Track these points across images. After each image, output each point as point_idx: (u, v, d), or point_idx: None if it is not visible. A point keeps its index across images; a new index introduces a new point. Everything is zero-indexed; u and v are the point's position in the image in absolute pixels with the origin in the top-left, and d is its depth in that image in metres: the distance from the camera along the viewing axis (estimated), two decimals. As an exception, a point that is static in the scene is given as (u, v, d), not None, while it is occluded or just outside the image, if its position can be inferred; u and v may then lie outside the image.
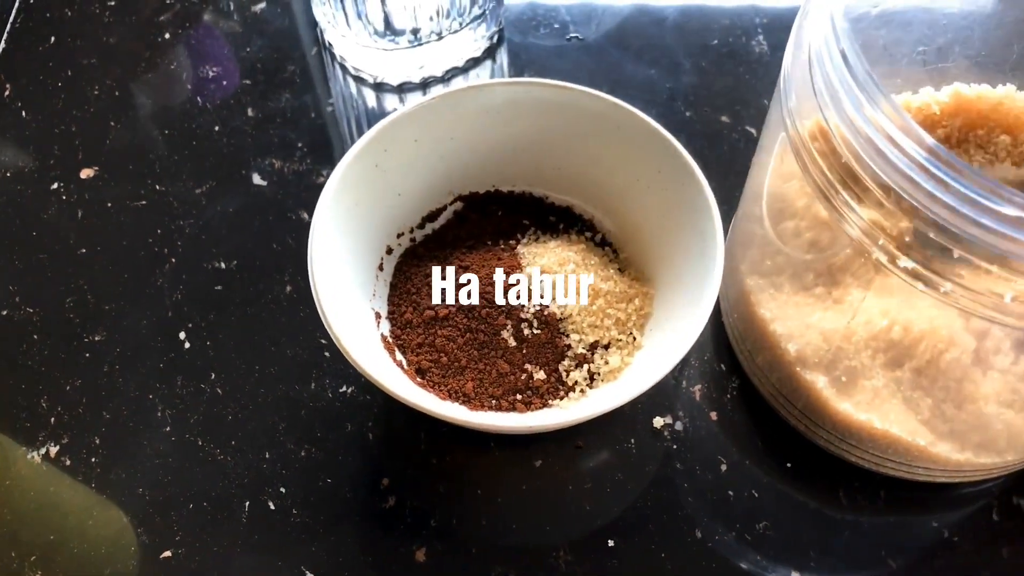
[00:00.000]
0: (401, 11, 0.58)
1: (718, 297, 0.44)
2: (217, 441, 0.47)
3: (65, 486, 0.46)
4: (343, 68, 0.62)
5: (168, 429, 0.48)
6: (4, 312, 0.52)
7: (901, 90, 0.47)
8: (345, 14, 0.58)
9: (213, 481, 0.46)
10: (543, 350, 0.45)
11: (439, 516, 0.45)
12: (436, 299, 0.47)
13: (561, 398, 0.45)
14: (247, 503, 0.46)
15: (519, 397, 0.45)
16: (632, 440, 0.48)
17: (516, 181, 0.52)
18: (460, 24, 0.60)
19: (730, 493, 0.46)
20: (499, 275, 0.46)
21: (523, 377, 0.45)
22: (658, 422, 0.48)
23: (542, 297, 0.46)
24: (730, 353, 0.50)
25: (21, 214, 0.56)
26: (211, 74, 0.63)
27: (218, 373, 0.50)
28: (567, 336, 0.46)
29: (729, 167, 0.56)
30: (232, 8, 0.66)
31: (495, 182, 0.52)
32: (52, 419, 0.48)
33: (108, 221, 0.55)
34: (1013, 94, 0.45)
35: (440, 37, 0.60)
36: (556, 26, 0.65)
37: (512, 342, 0.45)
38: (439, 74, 0.62)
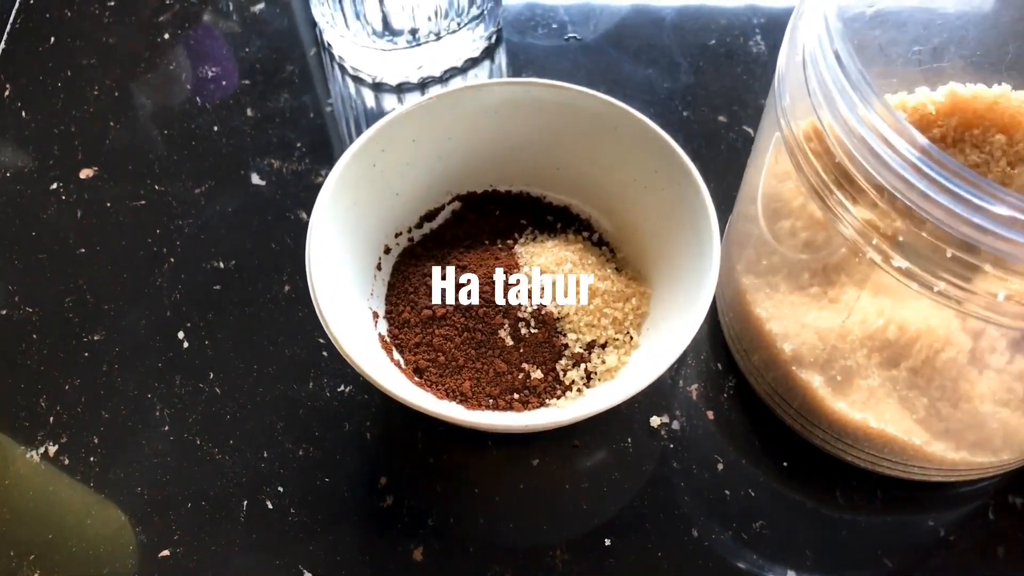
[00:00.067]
0: (399, 11, 0.58)
1: (714, 296, 0.44)
2: (215, 440, 0.48)
3: (64, 485, 0.46)
4: (342, 68, 0.62)
5: (167, 428, 0.48)
6: (3, 312, 0.52)
7: (897, 90, 0.47)
8: (344, 14, 0.58)
9: (211, 480, 0.46)
10: (540, 349, 0.45)
11: (436, 515, 0.45)
12: (434, 299, 0.47)
13: (558, 397, 0.45)
14: (245, 502, 0.46)
15: (516, 396, 0.45)
16: (629, 439, 0.48)
17: (514, 181, 0.52)
18: (458, 24, 0.60)
19: (727, 492, 0.46)
20: (497, 275, 0.46)
21: (520, 376, 0.45)
22: (655, 421, 0.48)
23: (541, 297, 0.46)
24: (727, 352, 0.50)
25: (21, 214, 0.56)
26: (210, 74, 0.63)
27: (216, 372, 0.50)
28: (564, 335, 0.46)
29: (726, 167, 0.56)
30: (231, 8, 0.66)
31: (493, 182, 0.52)
32: (51, 418, 0.48)
33: (107, 221, 0.56)
34: (1009, 93, 0.45)
35: (438, 37, 0.60)
36: (554, 26, 0.65)
37: (509, 341, 0.45)
38: (437, 74, 0.62)
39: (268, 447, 0.47)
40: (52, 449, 0.47)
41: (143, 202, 0.56)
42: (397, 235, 0.50)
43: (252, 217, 0.56)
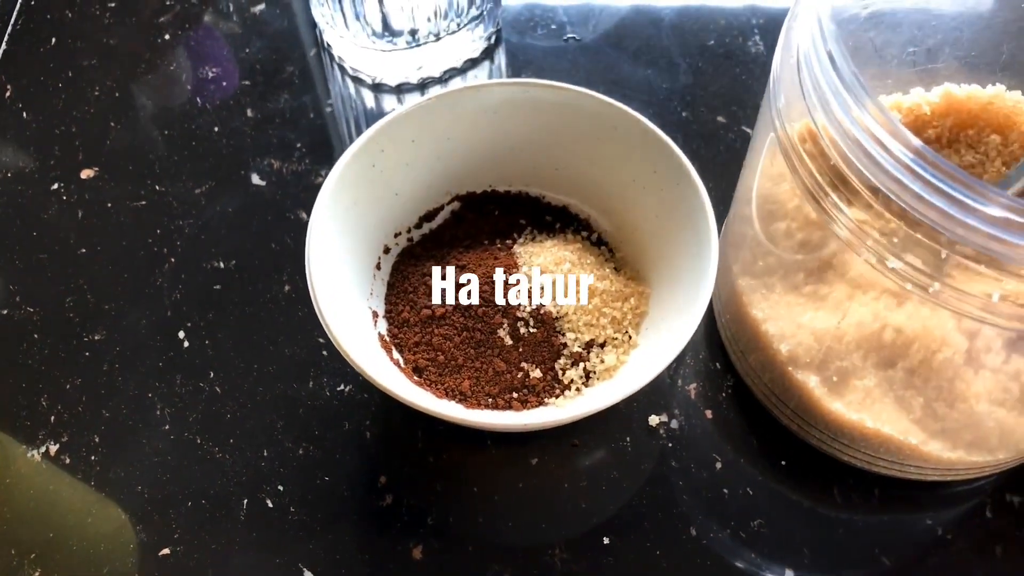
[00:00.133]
0: (399, 12, 0.58)
1: (711, 297, 0.44)
2: (216, 439, 0.48)
3: (64, 484, 0.47)
4: (342, 69, 0.63)
5: (167, 427, 0.48)
6: (4, 311, 0.52)
7: (892, 91, 0.47)
8: (343, 15, 0.59)
9: (212, 479, 0.47)
10: (539, 349, 0.46)
11: (436, 514, 0.46)
12: (433, 298, 0.47)
13: (557, 396, 0.45)
14: (245, 501, 0.46)
15: (515, 395, 0.45)
16: (628, 438, 0.48)
17: (513, 181, 0.52)
18: (458, 25, 0.60)
19: (725, 491, 0.46)
20: (496, 274, 0.47)
21: (519, 375, 0.45)
22: (653, 420, 0.48)
23: (540, 296, 0.46)
24: (724, 352, 0.50)
25: (21, 214, 0.56)
26: (211, 75, 0.63)
27: (217, 372, 0.50)
28: (563, 335, 0.46)
29: (725, 167, 0.56)
30: (231, 9, 0.66)
31: (492, 182, 0.52)
32: (52, 418, 0.49)
33: (108, 221, 0.56)
34: (1003, 94, 0.45)
35: (438, 38, 0.60)
36: (553, 27, 0.65)
37: (508, 341, 0.45)
38: (437, 75, 0.62)
39: (268, 446, 0.48)
40: (53, 448, 0.48)
41: (144, 202, 0.57)
42: (397, 235, 0.50)
43: (252, 217, 0.56)
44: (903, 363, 0.41)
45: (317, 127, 0.60)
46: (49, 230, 0.55)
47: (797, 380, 0.44)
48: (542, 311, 0.46)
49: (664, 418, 0.48)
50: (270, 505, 0.46)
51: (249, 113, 0.61)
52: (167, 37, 0.65)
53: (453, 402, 0.44)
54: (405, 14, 0.58)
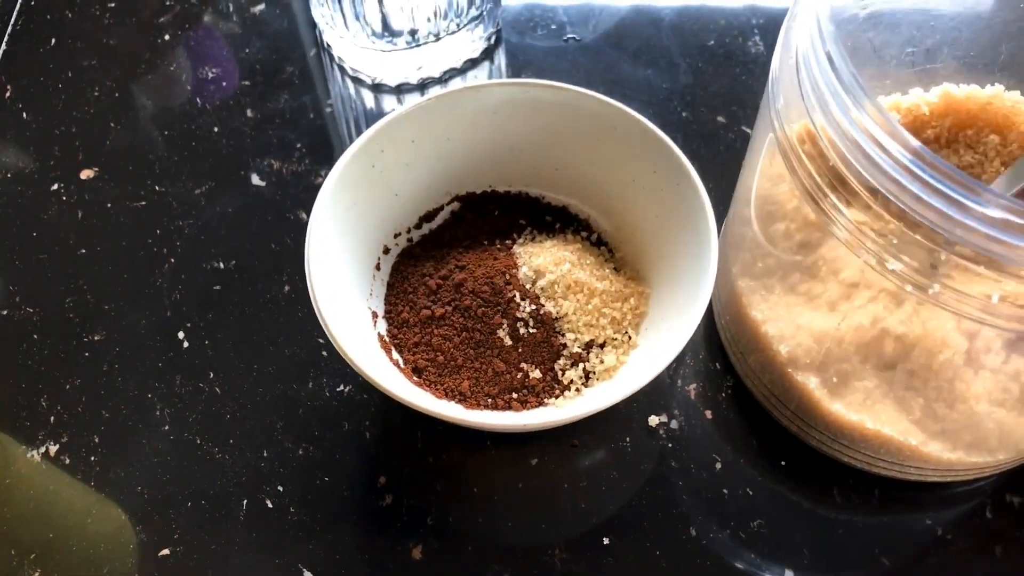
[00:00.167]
0: (399, 12, 0.58)
1: (711, 298, 0.44)
2: (215, 440, 0.48)
3: (64, 484, 0.47)
4: (342, 69, 0.63)
5: (167, 428, 0.48)
6: (4, 312, 0.52)
7: (891, 91, 0.47)
8: (343, 15, 0.59)
9: (211, 479, 0.47)
10: (539, 349, 0.46)
11: (435, 514, 0.46)
12: (433, 299, 0.47)
13: (557, 397, 0.45)
14: (245, 501, 0.46)
15: (515, 396, 0.45)
16: (627, 439, 0.48)
17: (513, 181, 0.52)
18: (458, 25, 0.60)
19: (725, 492, 0.46)
20: (496, 275, 0.47)
21: (519, 376, 0.45)
22: (653, 421, 0.48)
23: (539, 297, 0.46)
24: (724, 353, 0.50)
25: (21, 214, 0.56)
26: (210, 75, 0.63)
27: (216, 372, 0.50)
28: (563, 335, 0.46)
29: (725, 167, 0.56)
30: (231, 10, 0.66)
31: (492, 182, 0.52)
32: (52, 418, 0.49)
33: (108, 221, 0.56)
34: (1002, 94, 0.45)
35: (438, 38, 0.60)
36: (553, 27, 0.65)
37: (508, 341, 0.45)
38: (437, 75, 0.62)
39: (268, 446, 0.48)
40: (53, 449, 0.48)
41: (143, 203, 0.57)
42: (396, 235, 0.50)
43: (252, 217, 0.56)
44: (903, 364, 0.41)
45: (317, 127, 0.60)
46: (49, 230, 0.55)
47: (797, 381, 0.44)
48: (541, 312, 0.46)
49: (664, 418, 0.48)
50: (270, 505, 0.46)
51: (249, 113, 0.61)
52: (167, 37, 0.65)
53: (453, 402, 0.44)
54: (405, 14, 0.58)
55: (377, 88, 0.62)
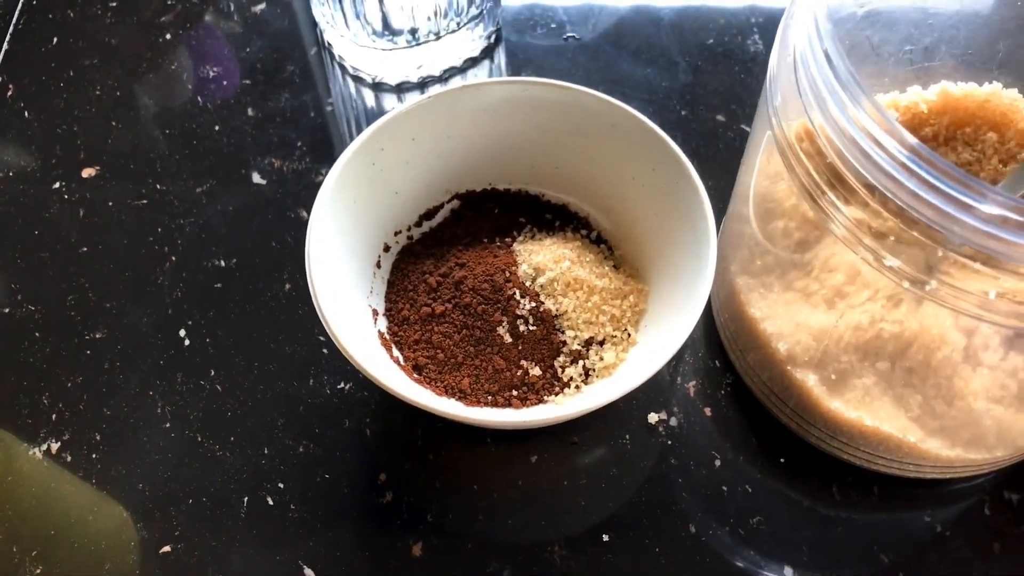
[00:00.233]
0: (399, 11, 0.58)
1: (710, 296, 0.44)
2: (216, 437, 0.48)
3: (66, 482, 0.47)
4: (342, 68, 0.63)
5: (168, 425, 0.48)
6: (6, 310, 0.52)
7: (889, 89, 0.47)
8: (344, 14, 0.59)
9: (212, 477, 0.47)
10: (538, 346, 0.46)
11: (435, 511, 0.46)
12: (433, 296, 0.47)
13: (556, 394, 0.45)
14: (246, 498, 0.46)
15: (515, 393, 0.45)
16: (627, 436, 0.48)
17: (512, 179, 0.52)
18: (458, 24, 0.61)
19: (724, 489, 0.46)
20: (496, 272, 0.47)
21: (519, 373, 0.45)
22: (653, 418, 0.48)
23: (539, 294, 0.46)
24: (723, 350, 0.50)
25: (23, 213, 0.56)
26: (211, 74, 0.63)
27: (217, 370, 0.50)
28: (562, 332, 0.46)
29: (724, 166, 0.56)
30: (232, 9, 0.67)
31: (492, 180, 0.52)
32: (53, 416, 0.49)
33: (109, 220, 0.56)
34: (1000, 92, 0.45)
35: (438, 37, 0.60)
36: (553, 26, 0.66)
37: (508, 339, 0.46)
38: (437, 74, 0.62)
39: (268, 444, 0.48)
40: (54, 446, 0.48)
41: (145, 201, 0.57)
42: (396, 233, 0.50)
43: (253, 216, 0.56)
44: (901, 361, 0.41)
45: (317, 126, 0.60)
46: (50, 229, 0.56)
47: (796, 378, 0.44)
48: (541, 309, 0.46)
49: (663, 416, 0.48)
50: (270, 503, 0.46)
51: (250, 112, 0.61)
52: (168, 37, 0.65)
53: (453, 400, 0.45)
54: (405, 13, 0.58)
55: (377, 87, 0.62)
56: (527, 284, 0.46)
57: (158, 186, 0.57)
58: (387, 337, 0.47)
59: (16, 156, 0.59)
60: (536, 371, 0.45)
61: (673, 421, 0.48)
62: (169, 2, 0.67)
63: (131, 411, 0.49)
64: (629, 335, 0.46)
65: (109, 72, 0.63)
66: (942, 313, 0.39)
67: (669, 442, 0.48)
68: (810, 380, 0.44)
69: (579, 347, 0.46)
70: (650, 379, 0.40)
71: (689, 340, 0.40)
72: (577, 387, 0.45)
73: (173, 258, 0.54)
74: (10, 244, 0.55)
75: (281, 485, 0.46)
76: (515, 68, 0.63)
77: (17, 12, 0.66)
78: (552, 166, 0.51)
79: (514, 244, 0.49)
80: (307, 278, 0.42)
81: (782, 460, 0.47)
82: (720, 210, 0.50)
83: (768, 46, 0.64)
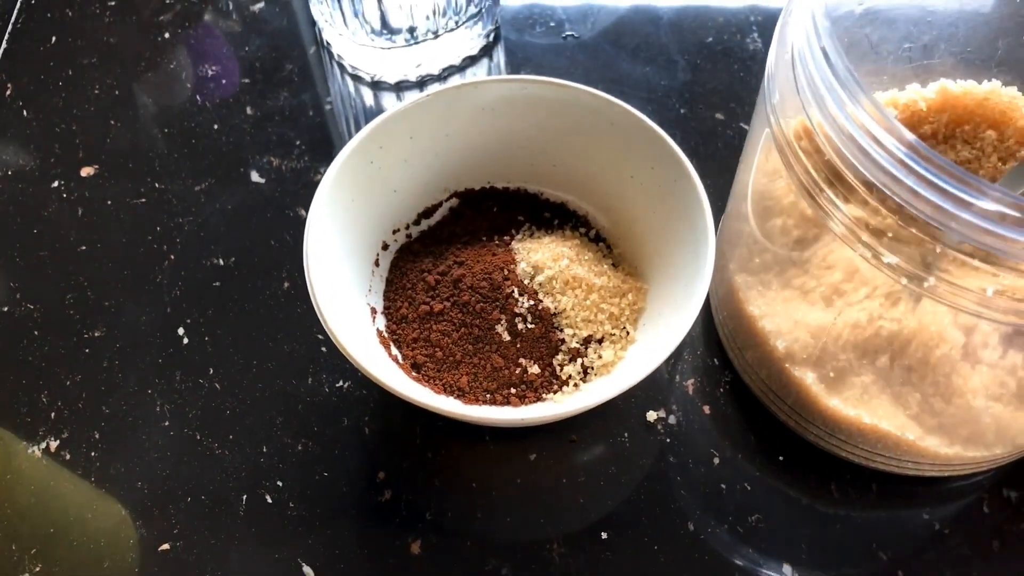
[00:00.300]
0: (397, 10, 0.58)
1: (709, 294, 0.44)
2: (215, 435, 0.48)
3: (65, 480, 0.47)
4: (341, 67, 0.63)
5: (167, 424, 0.48)
6: (5, 308, 0.52)
7: (888, 87, 0.47)
8: (342, 13, 0.59)
9: (211, 475, 0.47)
10: (537, 344, 0.46)
11: (434, 509, 0.46)
12: (431, 295, 0.47)
13: (555, 392, 0.45)
14: (244, 497, 0.46)
15: (513, 391, 0.45)
16: (626, 434, 0.48)
17: (511, 178, 0.52)
18: (456, 23, 0.61)
19: (723, 486, 0.46)
20: (494, 270, 0.47)
21: (517, 371, 0.45)
22: (651, 416, 0.48)
23: (538, 292, 0.46)
24: (722, 348, 0.50)
25: (22, 212, 0.56)
26: (210, 73, 0.63)
27: (216, 368, 0.50)
28: (561, 331, 0.46)
29: (723, 164, 0.56)
30: (231, 8, 0.67)
31: (490, 178, 0.52)
32: (52, 414, 0.49)
33: (108, 218, 0.56)
34: (999, 90, 0.45)
35: (437, 35, 0.60)
36: (552, 24, 0.66)
37: (506, 337, 0.46)
38: (436, 72, 0.62)
39: (267, 442, 0.48)
40: (53, 444, 0.48)
41: (143, 200, 0.57)
42: (395, 232, 0.50)
43: (252, 214, 0.56)
44: (900, 359, 0.41)
45: (316, 125, 0.60)
46: (49, 227, 0.56)
47: (794, 376, 0.44)
48: (540, 307, 0.46)
49: (662, 414, 0.48)
50: (269, 501, 0.46)
51: (249, 111, 0.61)
52: (167, 36, 0.65)
53: (451, 398, 0.45)
54: (403, 12, 0.58)
55: (376, 85, 0.62)
56: (526, 282, 0.46)
57: (157, 185, 0.57)
58: (386, 335, 0.47)
59: (15, 155, 0.59)
60: (535, 369, 0.45)
61: (672, 419, 0.48)
62: (168, 1, 0.67)
63: (130, 409, 0.49)
64: (628, 333, 0.46)
65: (108, 71, 0.63)
66: (941, 310, 0.39)
67: (668, 440, 0.48)
68: (808, 378, 0.44)
69: (577, 345, 0.46)
70: (648, 377, 0.40)
71: (688, 338, 0.40)
72: (576, 385, 0.45)
73: (172, 257, 0.54)
74: (9, 243, 0.55)
75: (280, 483, 0.46)
76: (514, 67, 0.63)
77: (16, 11, 0.66)
78: (551, 164, 0.51)
79: (513, 242, 0.49)
80: (305, 276, 0.42)
81: (781, 458, 0.47)
82: (719, 208, 0.50)
83: (767, 44, 0.63)
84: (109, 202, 0.57)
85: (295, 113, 0.61)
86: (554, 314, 0.46)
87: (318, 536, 0.45)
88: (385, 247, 0.50)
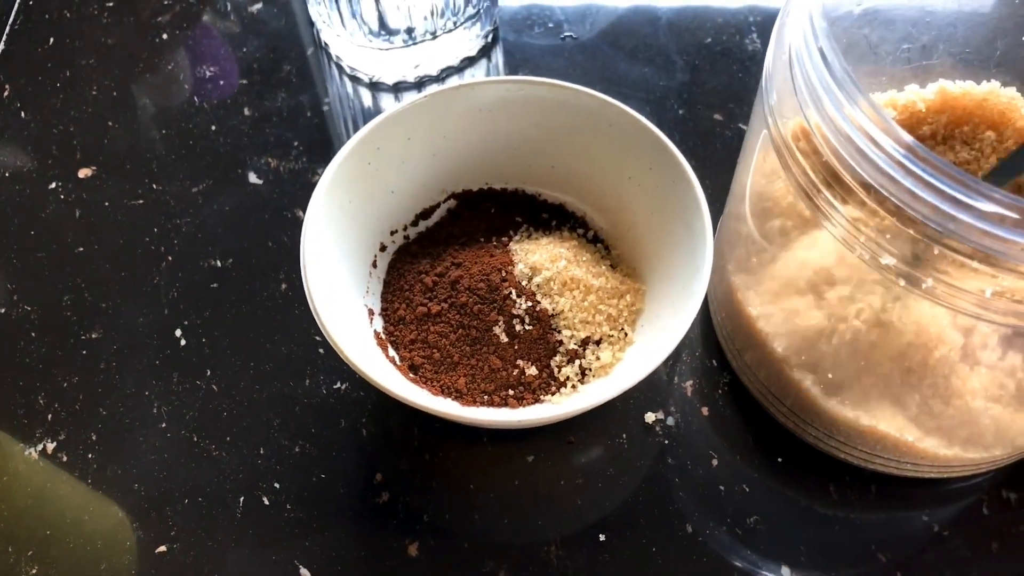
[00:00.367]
0: (395, 11, 0.58)
1: (707, 295, 0.44)
2: (212, 437, 0.48)
3: (62, 482, 0.47)
4: (339, 68, 0.63)
5: (164, 425, 0.48)
6: (2, 310, 0.52)
7: (887, 88, 0.47)
8: (340, 14, 0.59)
9: (208, 477, 0.47)
10: (535, 346, 0.46)
11: (432, 511, 0.46)
12: (429, 296, 0.47)
13: (553, 393, 0.45)
14: (242, 498, 0.46)
15: (511, 393, 0.45)
16: (624, 435, 0.48)
17: (509, 179, 0.52)
18: (455, 23, 0.61)
19: (721, 488, 0.46)
20: (492, 272, 0.47)
21: (515, 373, 0.45)
22: (650, 417, 0.48)
23: (536, 294, 0.46)
24: (720, 350, 0.50)
25: (20, 213, 0.56)
26: (208, 74, 0.63)
27: (213, 370, 0.50)
28: (559, 332, 0.46)
29: (722, 165, 0.56)
30: (229, 9, 0.67)
31: (488, 179, 0.52)
32: (49, 415, 0.49)
33: (106, 220, 0.56)
34: (998, 90, 0.45)
35: (435, 36, 0.60)
36: (551, 25, 0.65)
37: (504, 338, 0.45)
38: (434, 73, 0.62)
39: (264, 444, 0.48)
40: (50, 446, 0.48)
41: (141, 201, 0.57)
42: (393, 233, 0.50)
43: (249, 216, 0.56)
44: (899, 360, 0.41)
45: (314, 126, 0.60)
46: (47, 229, 0.56)
47: (793, 377, 0.44)
48: (538, 308, 0.46)
49: (660, 415, 0.48)
50: (266, 503, 0.46)
51: (247, 112, 0.61)
52: (165, 37, 0.65)
53: (449, 399, 0.44)
54: (401, 13, 0.58)
55: (374, 86, 0.62)
56: (523, 283, 0.46)
57: (154, 186, 0.57)
58: (383, 337, 0.47)
59: (12, 156, 0.59)
60: (532, 371, 0.45)
61: (670, 420, 0.48)
62: (166, 2, 0.67)
63: (127, 411, 0.49)
64: (626, 334, 0.46)
65: (106, 72, 0.63)
66: (939, 312, 0.39)
67: (666, 441, 0.48)
68: (807, 379, 0.43)
69: (575, 346, 0.46)
70: (647, 378, 0.40)
71: (686, 339, 0.40)
72: (574, 386, 0.45)
73: (169, 258, 0.54)
74: (6, 244, 0.55)
75: (277, 485, 0.46)
76: (512, 67, 0.63)
77: (14, 12, 0.66)
78: (549, 165, 0.51)
79: (510, 243, 0.49)
80: (302, 278, 0.42)
81: (779, 459, 0.47)
82: (717, 209, 0.50)
83: (766, 45, 0.63)
84: (107, 203, 0.56)
85: (293, 114, 0.61)
86: (552, 315, 0.46)
87: (315, 538, 0.45)
88: (383, 248, 0.50)
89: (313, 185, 0.45)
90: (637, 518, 0.45)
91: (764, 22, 0.65)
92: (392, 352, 0.46)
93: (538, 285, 0.46)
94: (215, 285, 0.53)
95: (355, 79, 0.62)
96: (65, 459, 0.47)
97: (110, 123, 0.60)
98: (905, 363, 0.40)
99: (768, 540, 0.45)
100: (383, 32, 0.59)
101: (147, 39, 0.65)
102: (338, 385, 0.49)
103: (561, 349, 0.46)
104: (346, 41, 0.60)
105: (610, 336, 0.46)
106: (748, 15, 0.65)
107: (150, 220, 0.56)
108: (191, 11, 0.66)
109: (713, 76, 0.62)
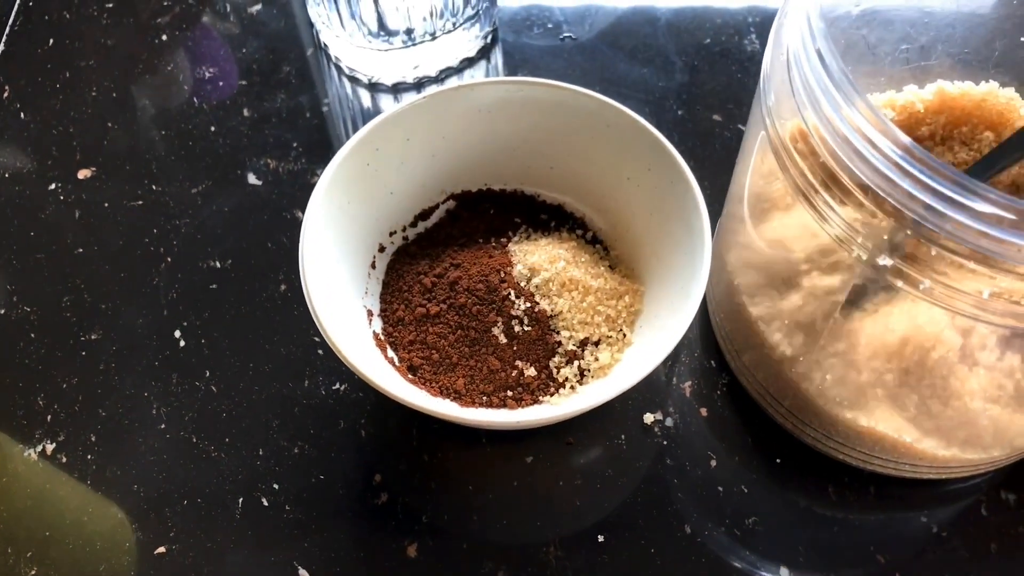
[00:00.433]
0: (394, 12, 0.58)
1: (706, 295, 0.44)
2: (211, 438, 0.48)
3: (61, 483, 0.47)
4: (338, 68, 0.63)
5: (163, 426, 0.48)
6: (2, 311, 0.52)
7: (885, 88, 0.47)
8: (339, 15, 0.59)
9: (207, 478, 0.47)
10: (534, 347, 0.46)
11: (430, 512, 0.46)
12: (428, 297, 0.47)
13: (551, 394, 0.45)
14: (241, 499, 0.46)
15: (510, 393, 0.45)
16: (623, 436, 0.48)
17: (508, 179, 0.52)
18: (454, 24, 0.61)
19: (720, 489, 0.46)
20: (491, 273, 0.47)
21: (514, 374, 0.45)
22: (648, 418, 0.48)
23: (534, 295, 0.46)
24: (719, 350, 0.50)
25: (19, 214, 0.56)
26: (208, 75, 0.63)
27: (213, 371, 0.50)
28: (557, 333, 0.46)
29: (721, 166, 0.56)
30: (229, 10, 0.67)
31: (487, 180, 0.52)
32: (48, 417, 0.49)
33: (105, 221, 0.56)
34: (996, 91, 0.45)
35: (434, 37, 0.60)
36: (550, 26, 0.65)
37: (503, 339, 0.45)
38: (433, 74, 0.62)
39: (263, 445, 0.48)
40: (50, 447, 0.48)
41: (140, 202, 0.57)
42: (392, 234, 0.50)
43: (249, 217, 0.56)
44: (897, 361, 0.41)
45: (314, 127, 0.60)
46: (46, 230, 0.56)
47: (791, 378, 0.44)
48: (536, 309, 0.46)
49: (659, 416, 0.48)
50: (265, 503, 0.46)
51: (246, 113, 0.61)
52: (164, 38, 0.65)
53: (448, 400, 0.44)
54: (401, 14, 0.58)
55: (374, 87, 0.62)
56: (522, 284, 0.46)
57: (154, 187, 0.57)
58: (382, 338, 0.47)
59: (12, 157, 0.59)
60: (531, 372, 0.45)
61: (669, 421, 0.48)
62: (166, 3, 0.67)
63: (126, 412, 0.49)
64: (624, 335, 0.46)
65: (105, 73, 0.63)
66: (938, 313, 0.39)
67: (665, 442, 0.48)
68: (805, 380, 0.43)
69: (574, 347, 0.46)
70: (645, 379, 0.40)
71: (684, 340, 0.40)
72: (572, 387, 0.45)
73: (169, 259, 0.54)
74: (6, 245, 0.55)
75: (276, 486, 0.46)
76: (512, 68, 0.63)
77: (13, 13, 0.66)
78: (548, 166, 0.51)
79: (509, 244, 0.49)
80: (301, 279, 0.42)
81: (778, 460, 0.47)
82: (716, 210, 0.50)
83: (765, 46, 0.63)
84: (106, 204, 0.57)
85: (292, 115, 0.61)
86: (551, 316, 0.46)
87: (314, 539, 0.45)
88: (381, 249, 0.50)
89: (312, 186, 0.45)
90: (636, 519, 0.45)
91: (763, 23, 0.65)
92: (391, 353, 0.46)
93: (537, 286, 0.46)
94: (214, 286, 0.53)
95: (354, 80, 0.62)
96: (64, 460, 0.47)
97: (110, 124, 0.60)
98: (903, 364, 0.40)
99: (767, 541, 0.45)
100: (382, 33, 0.59)
101: (147, 40, 0.65)
102: (337, 386, 0.49)
103: (560, 350, 0.46)
104: (345, 42, 0.60)
105: (609, 337, 0.46)
106: (747, 16, 0.65)
107: (149, 221, 0.56)
108: (190, 12, 0.66)
109: (712, 77, 0.62)
